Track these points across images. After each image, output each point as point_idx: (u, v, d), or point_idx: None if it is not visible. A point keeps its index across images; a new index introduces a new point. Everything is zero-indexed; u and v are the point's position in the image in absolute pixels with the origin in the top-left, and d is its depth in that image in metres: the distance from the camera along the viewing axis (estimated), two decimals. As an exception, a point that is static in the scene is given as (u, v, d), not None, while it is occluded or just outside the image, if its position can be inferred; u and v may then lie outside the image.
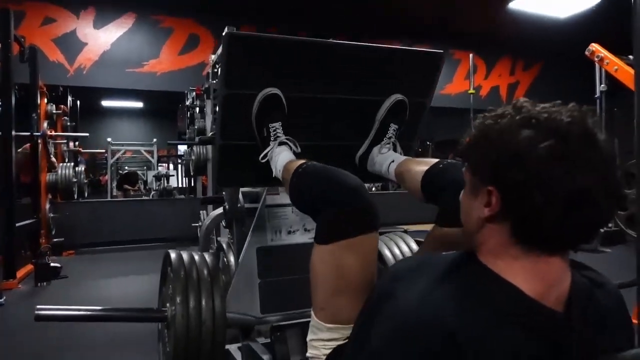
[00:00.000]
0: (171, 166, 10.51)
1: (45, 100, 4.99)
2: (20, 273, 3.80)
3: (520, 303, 0.58)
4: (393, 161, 1.28)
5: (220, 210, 2.18)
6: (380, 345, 0.60)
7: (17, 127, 3.91)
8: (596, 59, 2.71)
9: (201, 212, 4.72)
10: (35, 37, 5.25)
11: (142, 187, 9.65)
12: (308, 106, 1.35)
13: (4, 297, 3.18)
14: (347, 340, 0.83)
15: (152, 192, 9.02)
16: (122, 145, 9.19)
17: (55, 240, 4.77)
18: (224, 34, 1.22)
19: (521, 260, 0.60)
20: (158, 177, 8.80)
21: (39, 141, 4.44)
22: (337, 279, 0.85)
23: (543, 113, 0.59)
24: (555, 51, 7.86)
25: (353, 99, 1.37)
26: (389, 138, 1.34)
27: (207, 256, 1.54)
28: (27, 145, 4.52)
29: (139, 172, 9.99)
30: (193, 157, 5.79)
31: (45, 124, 4.67)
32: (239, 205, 1.94)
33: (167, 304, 1.40)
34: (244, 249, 1.53)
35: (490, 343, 0.55)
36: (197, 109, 5.65)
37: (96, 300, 3.32)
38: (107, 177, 8.84)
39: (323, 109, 1.37)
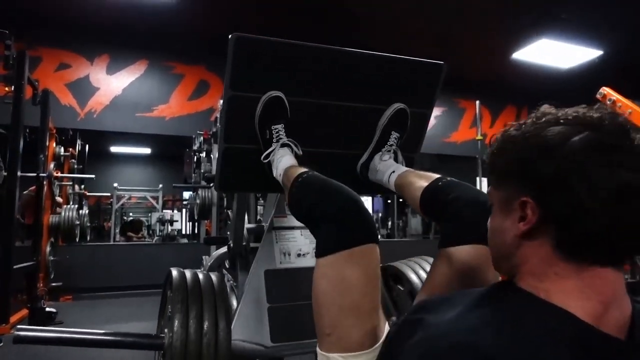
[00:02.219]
0: (176, 211, 10.47)
1: (54, 142, 5.02)
2: (14, 318, 3.64)
3: (572, 327, 0.49)
4: (394, 172, 1.27)
5: (223, 249, 2.09)
6: None
7: (24, 168, 3.90)
8: (608, 102, 2.69)
9: (203, 257, 4.61)
10: (49, 81, 5.36)
11: (145, 233, 9.57)
12: (311, 112, 1.36)
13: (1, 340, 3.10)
14: None
15: (155, 238, 8.93)
16: (128, 190, 9.21)
17: (53, 284, 4.64)
18: (230, 36, 1.21)
19: (570, 278, 0.52)
20: (162, 222, 8.74)
21: (45, 182, 4.42)
22: (341, 295, 0.80)
23: (571, 113, 0.56)
24: (558, 100, 7.94)
25: (356, 107, 1.38)
26: (390, 146, 1.35)
27: (212, 276, 1.40)
28: (33, 187, 4.50)
29: (143, 220, 9.94)
30: (198, 201, 5.76)
31: (52, 165, 4.67)
32: (243, 243, 1.86)
33: (166, 330, 1.25)
34: (250, 271, 1.44)
35: None
36: (204, 153, 5.69)
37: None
38: (111, 222, 8.77)
39: (326, 115, 1.38)
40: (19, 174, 3.74)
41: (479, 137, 5.65)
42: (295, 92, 1.30)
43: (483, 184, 5.54)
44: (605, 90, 2.72)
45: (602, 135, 0.52)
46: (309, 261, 1.50)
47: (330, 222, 0.85)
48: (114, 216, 8.61)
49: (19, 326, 1.14)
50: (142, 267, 5.46)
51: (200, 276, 1.34)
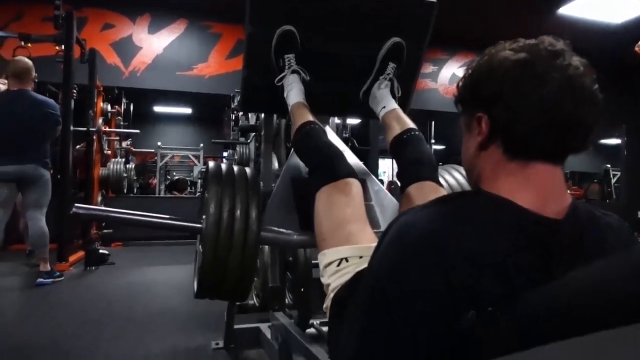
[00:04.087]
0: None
1: (101, 99, 5.32)
2: (72, 258, 4.04)
3: (512, 211, 0.60)
4: (384, 107, 1.49)
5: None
6: (380, 259, 0.63)
7: (74, 124, 4.19)
8: (646, 54, 2.60)
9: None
10: (95, 41, 5.61)
11: (188, 191, 10.01)
12: (319, 45, 1.57)
13: (62, 275, 3.48)
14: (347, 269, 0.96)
15: (198, 193, 9.35)
16: (171, 149, 9.61)
17: (105, 231, 5.03)
18: None
19: (516, 175, 0.63)
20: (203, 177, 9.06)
21: (94, 137, 4.72)
22: (330, 209, 1.11)
23: (516, 42, 0.66)
24: (607, 58, 7.52)
25: (359, 42, 1.58)
26: (387, 74, 1.54)
27: (246, 169, 1.49)
28: (84, 143, 4.82)
29: (187, 179, 10.37)
30: (236, 157, 5.99)
31: (100, 121, 4.97)
32: (272, 185, 2.01)
33: (204, 216, 1.32)
34: (279, 179, 1.60)
35: (478, 249, 0.55)
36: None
37: (140, 283, 3.49)
38: (156, 180, 9.23)
39: (332, 48, 1.58)
40: (71, 128, 4.04)
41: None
42: (305, 27, 1.51)
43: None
44: (643, 41, 2.63)
45: (533, 56, 0.62)
46: None
47: (321, 172, 1.20)
48: (158, 174, 9.05)
49: (76, 204, 1.32)
50: (186, 218, 5.77)
51: (235, 168, 1.42)
